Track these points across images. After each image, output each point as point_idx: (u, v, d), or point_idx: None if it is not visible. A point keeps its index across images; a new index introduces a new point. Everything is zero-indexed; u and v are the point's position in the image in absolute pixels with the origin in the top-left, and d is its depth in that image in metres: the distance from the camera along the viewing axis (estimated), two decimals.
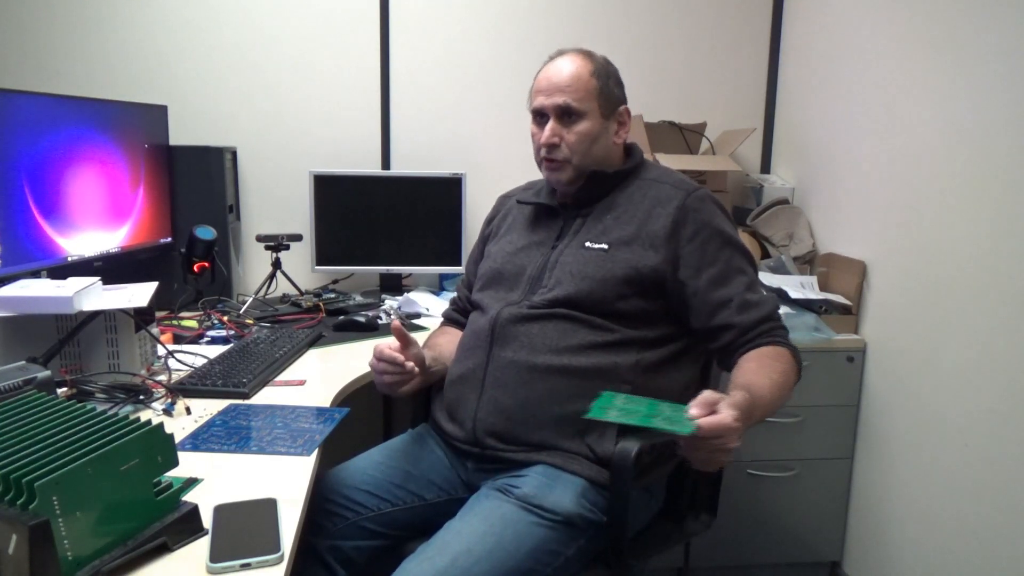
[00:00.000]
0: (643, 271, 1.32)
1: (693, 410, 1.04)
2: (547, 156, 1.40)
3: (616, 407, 1.13)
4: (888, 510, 1.96)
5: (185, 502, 0.91)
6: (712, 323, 1.33)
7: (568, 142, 1.38)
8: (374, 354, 1.32)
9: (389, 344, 1.33)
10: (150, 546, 0.84)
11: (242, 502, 0.97)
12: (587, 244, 1.38)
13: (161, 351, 1.57)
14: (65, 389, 1.28)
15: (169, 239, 2.17)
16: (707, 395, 1.07)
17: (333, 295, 2.24)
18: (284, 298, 2.23)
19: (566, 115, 1.38)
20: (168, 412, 1.30)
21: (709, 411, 1.05)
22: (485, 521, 1.19)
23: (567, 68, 1.38)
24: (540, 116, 1.41)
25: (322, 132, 2.45)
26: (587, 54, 1.41)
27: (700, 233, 1.34)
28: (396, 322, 1.35)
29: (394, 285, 2.45)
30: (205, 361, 1.57)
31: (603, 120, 1.40)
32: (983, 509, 1.64)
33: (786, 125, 2.57)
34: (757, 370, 1.24)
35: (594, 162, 1.41)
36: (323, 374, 1.59)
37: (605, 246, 1.36)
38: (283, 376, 1.56)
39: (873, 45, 2.05)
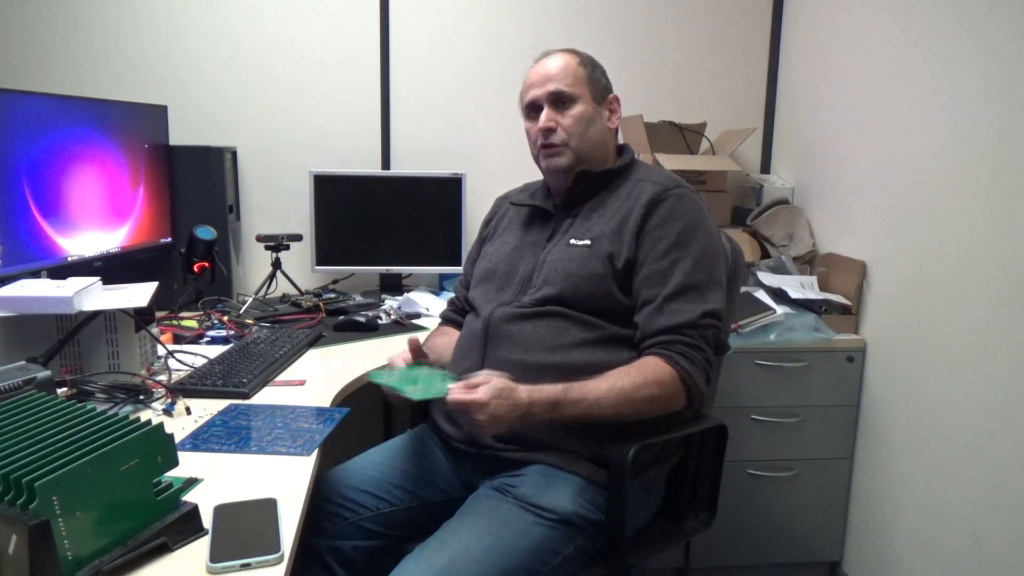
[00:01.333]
0: (618, 266, 1.33)
1: (455, 384, 1.19)
2: (544, 143, 1.42)
3: (397, 373, 1.27)
4: (888, 510, 1.96)
5: (185, 502, 0.92)
6: (634, 319, 1.33)
7: (564, 125, 1.41)
8: (387, 366, 1.36)
9: (404, 356, 1.36)
10: (150, 546, 0.84)
11: (242, 502, 0.97)
12: (572, 241, 1.39)
13: (161, 351, 1.57)
14: (65, 389, 1.28)
15: (169, 239, 2.17)
16: (480, 376, 1.19)
17: (333, 295, 2.24)
18: (284, 298, 2.23)
19: (559, 101, 1.41)
20: (168, 412, 1.30)
21: (471, 387, 1.17)
22: (483, 521, 1.20)
23: (555, 61, 1.43)
24: (533, 110, 1.44)
25: (322, 132, 2.45)
26: (570, 50, 1.46)
27: (659, 228, 1.34)
28: (413, 337, 1.37)
29: (394, 285, 2.45)
30: (205, 361, 1.57)
31: (595, 105, 1.43)
32: (983, 508, 1.64)
33: (786, 125, 2.57)
34: (610, 376, 1.25)
35: (591, 147, 1.42)
36: (323, 374, 1.59)
37: (588, 242, 1.37)
38: (283, 376, 1.56)
39: (873, 45, 2.05)
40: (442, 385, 1.20)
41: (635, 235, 1.34)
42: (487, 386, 1.17)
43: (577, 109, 1.40)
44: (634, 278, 1.34)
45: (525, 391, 1.20)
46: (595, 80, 1.43)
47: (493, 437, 1.32)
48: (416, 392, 1.22)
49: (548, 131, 1.40)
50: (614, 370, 1.26)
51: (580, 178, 1.43)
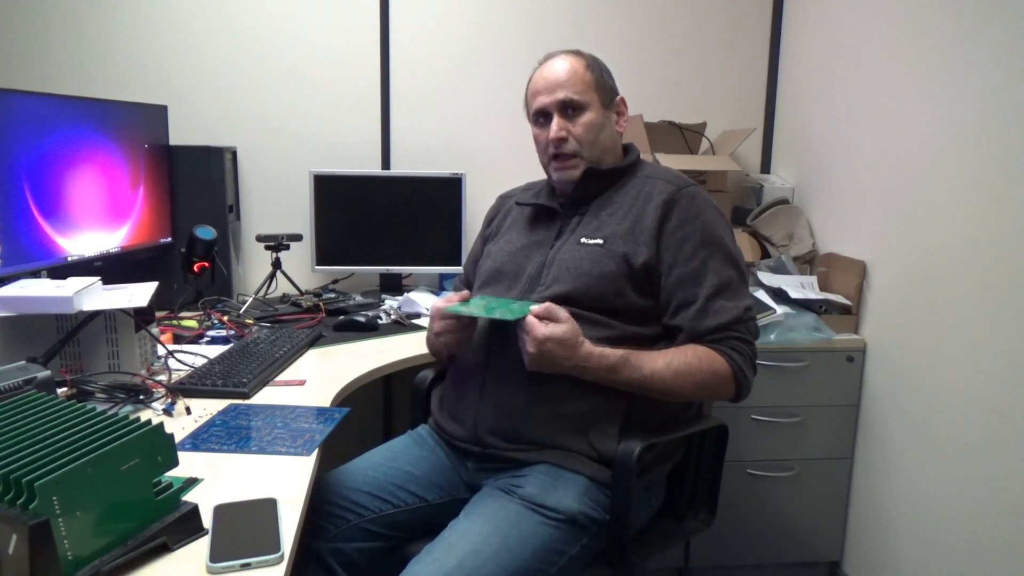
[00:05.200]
0: (635, 266, 1.33)
1: (537, 307, 1.25)
2: (556, 152, 1.41)
3: (475, 303, 1.34)
4: (888, 510, 1.96)
5: (185, 502, 0.91)
6: (670, 322, 1.34)
7: (575, 134, 1.39)
8: (433, 315, 1.39)
9: (448, 297, 1.40)
10: (150, 546, 0.84)
11: (242, 502, 0.97)
12: (582, 240, 1.39)
13: (161, 351, 1.57)
14: (65, 389, 1.28)
15: (169, 239, 2.17)
16: (563, 312, 1.24)
17: (333, 295, 2.24)
18: (284, 298, 2.23)
19: (569, 109, 1.39)
20: (168, 412, 1.29)
21: (549, 316, 1.24)
22: (490, 522, 1.19)
23: (561, 66, 1.40)
24: (542, 117, 1.42)
25: (322, 132, 2.45)
26: (575, 52, 1.44)
27: (681, 229, 1.34)
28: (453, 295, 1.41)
29: (394, 285, 2.45)
30: (205, 361, 1.57)
31: (604, 110, 1.42)
32: (983, 509, 1.64)
33: (786, 125, 2.57)
34: (665, 353, 1.29)
35: (602, 153, 1.42)
36: (323, 374, 1.59)
37: (600, 241, 1.37)
38: (283, 376, 1.56)
39: (873, 45, 2.05)
40: (520, 307, 1.28)
41: (653, 236, 1.34)
42: (555, 328, 1.23)
43: (587, 117, 1.39)
44: (662, 280, 1.34)
45: (586, 351, 1.25)
46: (602, 84, 1.41)
47: (497, 436, 1.33)
48: (508, 314, 1.27)
49: (560, 141, 1.39)
50: (671, 348, 1.31)
51: (586, 176, 1.42)
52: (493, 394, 1.34)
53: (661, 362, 1.28)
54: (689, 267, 1.32)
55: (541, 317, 1.25)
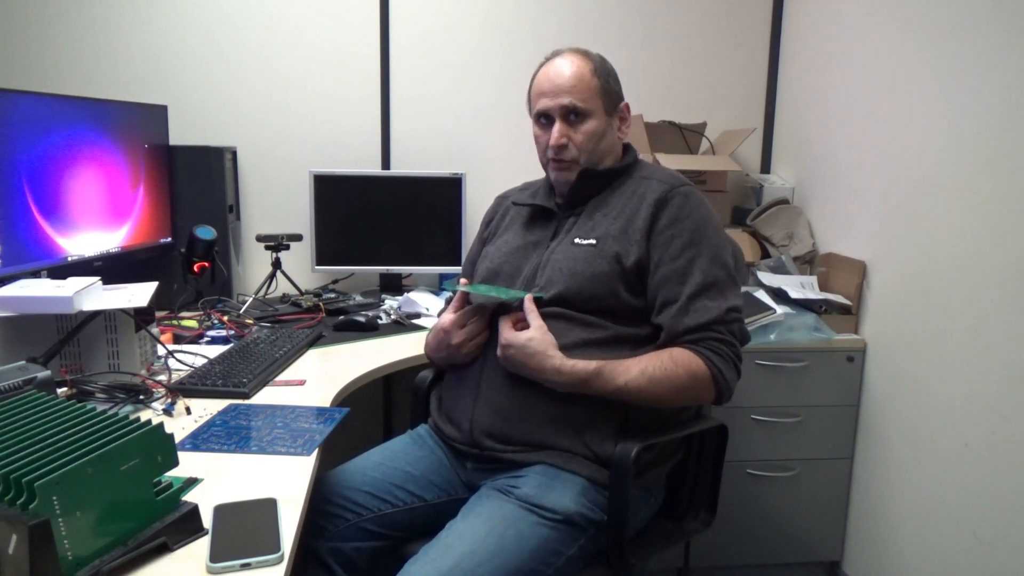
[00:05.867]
0: (627, 266, 1.33)
1: (529, 303, 1.32)
2: (555, 157, 1.40)
3: (474, 287, 1.39)
4: (888, 510, 1.96)
5: (185, 502, 0.92)
6: (654, 320, 1.33)
7: (576, 142, 1.39)
8: (449, 329, 1.37)
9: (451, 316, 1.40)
10: (150, 546, 0.84)
11: (242, 502, 0.97)
12: (576, 240, 1.38)
13: (161, 351, 1.57)
14: (65, 389, 1.28)
15: (169, 239, 2.17)
16: (538, 322, 1.29)
17: (333, 295, 2.24)
18: (284, 298, 2.23)
19: (572, 116, 1.38)
20: (168, 412, 1.30)
21: (524, 320, 1.31)
22: (487, 522, 1.19)
23: (568, 69, 1.38)
24: (544, 118, 1.41)
25: (322, 132, 2.45)
26: (584, 53, 1.41)
27: (671, 227, 1.34)
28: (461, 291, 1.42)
29: (394, 285, 2.45)
30: (205, 361, 1.57)
31: (607, 118, 1.41)
32: (983, 509, 1.64)
33: (786, 125, 2.57)
34: (641, 360, 1.28)
35: (600, 159, 1.42)
36: (323, 374, 1.59)
37: (593, 241, 1.36)
38: (283, 376, 1.56)
39: (873, 45, 2.05)
40: (517, 293, 1.35)
41: (645, 235, 1.34)
42: (522, 334, 1.28)
43: (590, 125, 1.38)
44: (649, 279, 1.33)
45: (554, 366, 1.26)
46: (607, 91, 1.40)
47: (493, 438, 1.33)
48: (496, 292, 1.35)
49: (560, 148, 1.38)
50: (647, 354, 1.29)
51: (583, 177, 1.42)
52: (488, 397, 1.34)
53: (635, 371, 1.26)
54: (675, 265, 1.32)
55: (517, 320, 1.31)
